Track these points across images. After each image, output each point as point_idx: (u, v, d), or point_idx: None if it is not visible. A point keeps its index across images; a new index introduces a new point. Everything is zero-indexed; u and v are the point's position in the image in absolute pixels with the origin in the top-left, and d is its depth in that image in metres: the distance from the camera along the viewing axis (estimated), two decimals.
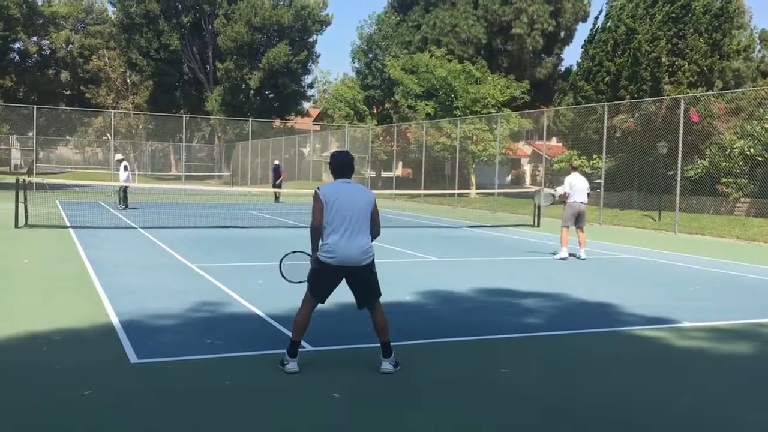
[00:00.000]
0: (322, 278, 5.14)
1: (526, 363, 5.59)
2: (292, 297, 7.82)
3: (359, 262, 5.05)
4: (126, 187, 21.64)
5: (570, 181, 12.37)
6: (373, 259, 5.18)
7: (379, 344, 5.20)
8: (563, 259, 11.97)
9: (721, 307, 8.15)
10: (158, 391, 4.65)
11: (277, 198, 30.20)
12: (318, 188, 5.13)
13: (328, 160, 5.49)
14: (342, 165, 5.24)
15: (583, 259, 12.06)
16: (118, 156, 23.35)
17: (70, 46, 65.36)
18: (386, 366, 5.11)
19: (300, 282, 5.43)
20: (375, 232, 5.25)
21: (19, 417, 4.13)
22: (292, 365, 5.04)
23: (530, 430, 4.19)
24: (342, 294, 8.27)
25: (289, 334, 6.11)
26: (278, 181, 30.45)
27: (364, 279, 5.13)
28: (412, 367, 5.32)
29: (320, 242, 5.12)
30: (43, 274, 9.13)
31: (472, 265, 11.43)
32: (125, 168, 21.47)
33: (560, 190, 12.79)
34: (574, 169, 12.75)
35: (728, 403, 4.75)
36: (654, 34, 25.06)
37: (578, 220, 12.32)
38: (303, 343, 5.85)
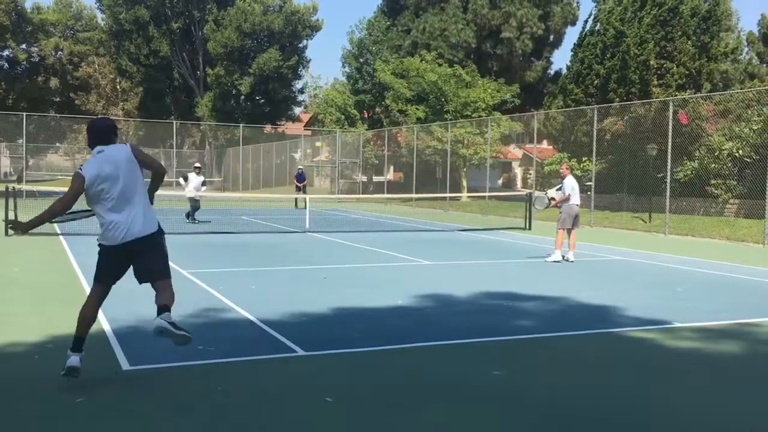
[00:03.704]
0: (108, 262, 4.83)
1: (519, 365, 5.61)
2: (284, 302, 7.84)
3: (142, 233, 4.75)
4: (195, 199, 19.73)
5: (571, 184, 12.42)
6: (159, 227, 4.91)
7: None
8: (557, 261, 12.00)
9: (712, 307, 8.21)
10: (151, 397, 4.65)
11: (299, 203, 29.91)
12: (80, 168, 4.82)
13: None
14: (100, 130, 4.97)
15: (572, 261, 12.11)
16: (198, 164, 21.13)
17: (60, 53, 65.13)
18: (159, 322, 4.68)
19: None
20: (156, 171, 5.04)
21: (12, 426, 4.12)
22: (73, 359, 4.69)
23: (524, 431, 4.21)
24: (335, 298, 8.27)
25: (282, 339, 6.15)
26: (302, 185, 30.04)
27: (151, 251, 4.82)
28: (405, 370, 5.34)
29: (101, 226, 4.82)
30: (34, 283, 9.10)
31: (465, 269, 11.46)
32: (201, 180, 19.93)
33: (559, 194, 12.70)
34: (568, 170, 12.79)
35: (719, 402, 4.79)
36: (642, 37, 25.22)
37: (574, 222, 12.38)
38: (295, 347, 5.87)
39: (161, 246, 4.94)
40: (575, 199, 12.35)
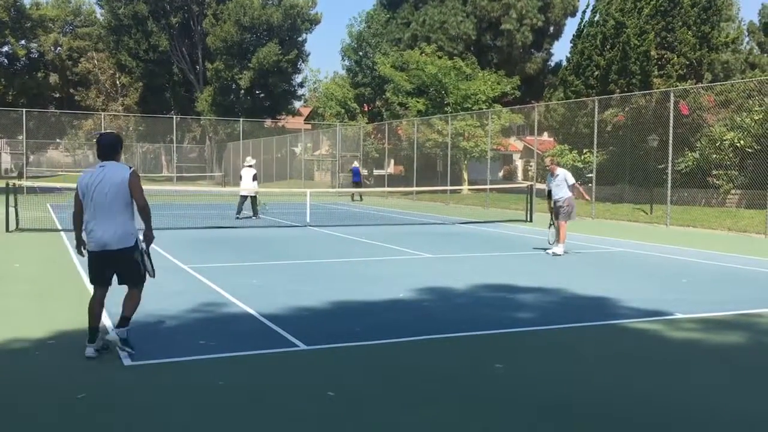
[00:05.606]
0: (90, 264, 5.47)
1: (521, 358, 5.60)
2: (285, 296, 7.83)
3: (110, 246, 5.30)
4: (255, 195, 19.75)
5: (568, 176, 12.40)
6: (133, 245, 5.40)
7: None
8: (558, 255, 11.95)
9: (714, 298, 8.19)
10: (152, 392, 4.64)
11: (355, 197, 30.67)
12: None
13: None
14: (102, 146, 5.44)
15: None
16: (251, 160, 20.61)
17: (59, 48, 65.00)
18: (113, 335, 5.36)
19: None
20: (139, 209, 5.41)
21: (13, 421, 4.11)
22: (88, 350, 5.28)
23: (526, 425, 4.19)
24: (336, 293, 8.27)
25: (284, 333, 6.16)
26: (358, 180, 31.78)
27: (121, 263, 5.39)
28: (406, 364, 5.32)
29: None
30: (35, 278, 9.08)
31: (466, 262, 11.44)
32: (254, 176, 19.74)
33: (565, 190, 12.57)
34: (558, 165, 12.79)
35: (722, 394, 4.78)
36: (642, 28, 25.13)
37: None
38: (296, 341, 5.86)
39: (132, 260, 5.47)
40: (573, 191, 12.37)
